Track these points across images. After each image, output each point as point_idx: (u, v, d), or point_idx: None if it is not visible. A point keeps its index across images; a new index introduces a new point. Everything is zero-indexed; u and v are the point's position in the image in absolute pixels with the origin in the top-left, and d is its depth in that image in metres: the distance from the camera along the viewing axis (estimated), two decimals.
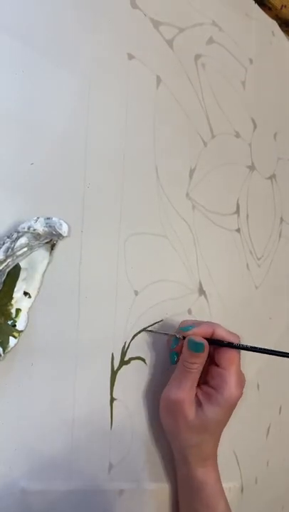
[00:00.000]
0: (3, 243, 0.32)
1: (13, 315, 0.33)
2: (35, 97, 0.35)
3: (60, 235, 0.32)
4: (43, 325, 0.35)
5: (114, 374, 0.40)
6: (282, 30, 0.61)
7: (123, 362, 0.41)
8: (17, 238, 0.32)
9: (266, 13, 0.58)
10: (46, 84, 0.36)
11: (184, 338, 0.40)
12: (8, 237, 0.32)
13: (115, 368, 0.40)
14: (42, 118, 0.36)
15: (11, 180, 0.34)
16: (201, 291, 0.48)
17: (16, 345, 0.32)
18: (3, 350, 0.32)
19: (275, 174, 0.59)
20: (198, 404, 0.39)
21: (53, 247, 0.34)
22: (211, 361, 0.41)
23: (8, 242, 0.32)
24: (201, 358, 0.39)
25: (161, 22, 0.45)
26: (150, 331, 0.43)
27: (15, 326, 0.33)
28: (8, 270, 0.32)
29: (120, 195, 0.41)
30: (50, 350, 0.36)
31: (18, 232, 0.32)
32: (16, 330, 0.33)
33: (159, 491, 0.44)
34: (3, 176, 0.34)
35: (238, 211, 0.53)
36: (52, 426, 0.36)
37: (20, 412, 0.34)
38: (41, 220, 0.32)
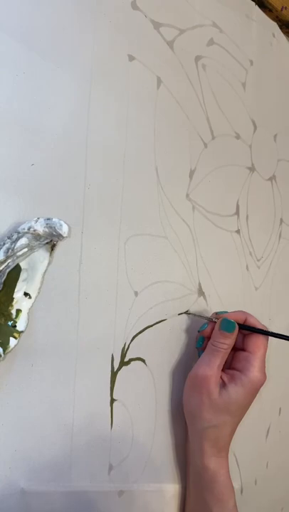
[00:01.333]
0: (4, 244, 0.32)
1: (14, 316, 0.33)
2: (36, 98, 0.36)
3: (60, 236, 0.32)
4: (43, 326, 0.35)
5: (114, 375, 0.40)
6: (283, 31, 0.61)
7: (123, 363, 0.41)
8: (17, 239, 0.32)
9: (267, 14, 0.58)
10: (47, 86, 0.36)
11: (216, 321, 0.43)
12: (9, 238, 0.32)
13: (115, 369, 0.40)
14: (43, 119, 0.36)
15: (12, 181, 0.34)
16: (201, 292, 0.48)
17: (16, 345, 0.32)
18: (4, 351, 0.32)
19: (275, 175, 0.59)
20: (223, 384, 0.41)
21: (53, 247, 0.34)
22: (238, 347, 0.43)
23: (9, 243, 0.32)
24: (231, 339, 0.41)
25: (162, 23, 0.45)
26: (191, 313, 0.46)
27: (15, 326, 0.33)
28: (8, 271, 0.32)
29: (120, 196, 0.41)
30: (51, 351, 0.36)
31: (19, 232, 0.32)
32: (16, 331, 0.33)
33: (158, 492, 0.44)
34: (4, 176, 0.34)
35: (237, 212, 0.53)
36: (52, 426, 0.36)
37: (20, 412, 0.34)
38: (41, 220, 0.32)
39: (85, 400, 0.38)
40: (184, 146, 0.47)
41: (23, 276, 0.34)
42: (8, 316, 0.33)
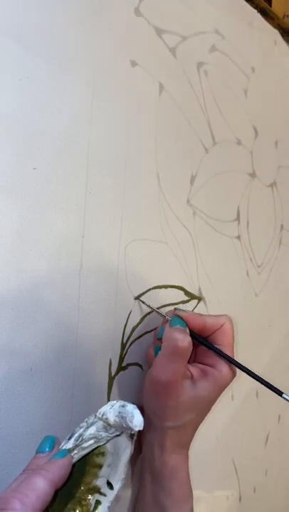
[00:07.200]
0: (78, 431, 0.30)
1: (92, 507, 0.29)
2: (39, 103, 0.36)
3: (130, 429, 0.29)
4: (42, 329, 0.35)
5: (111, 379, 0.40)
6: (285, 39, 0.61)
7: (120, 368, 0.40)
8: (90, 425, 0.30)
9: (268, 22, 0.59)
10: (50, 91, 0.36)
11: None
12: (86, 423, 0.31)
13: (113, 374, 0.40)
14: (45, 123, 0.36)
15: (14, 185, 0.34)
16: (201, 298, 0.48)
17: None
18: None
19: (276, 182, 0.59)
20: (192, 380, 0.36)
21: (132, 436, 0.31)
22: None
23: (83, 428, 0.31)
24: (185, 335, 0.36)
25: (165, 30, 0.45)
26: (143, 302, 0.42)
27: None
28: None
29: (121, 201, 0.41)
30: (49, 355, 0.36)
31: (95, 416, 0.31)
32: None
33: None
34: (6, 180, 0.34)
35: (238, 218, 0.53)
36: (50, 430, 0.36)
37: (19, 415, 0.34)
38: (116, 406, 0.30)
39: (83, 404, 0.38)
40: (185, 152, 0.47)
41: (108, 460, 0.31)
42: (86, 507, 0.29)
